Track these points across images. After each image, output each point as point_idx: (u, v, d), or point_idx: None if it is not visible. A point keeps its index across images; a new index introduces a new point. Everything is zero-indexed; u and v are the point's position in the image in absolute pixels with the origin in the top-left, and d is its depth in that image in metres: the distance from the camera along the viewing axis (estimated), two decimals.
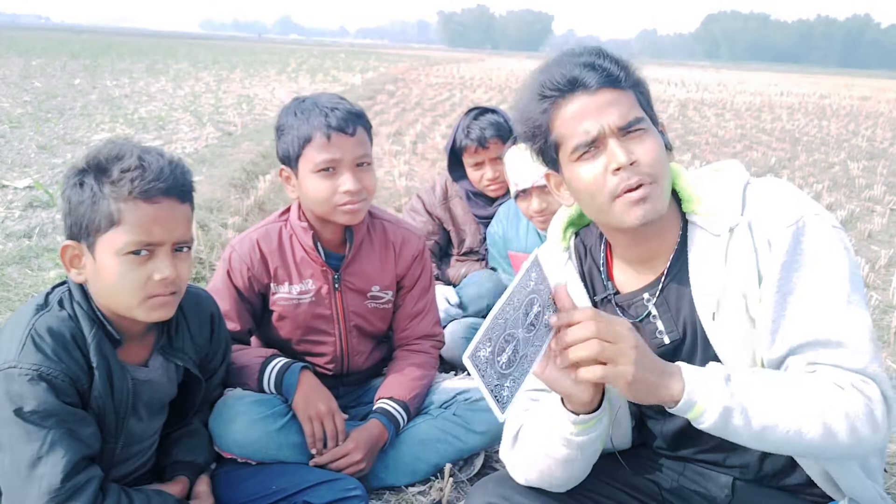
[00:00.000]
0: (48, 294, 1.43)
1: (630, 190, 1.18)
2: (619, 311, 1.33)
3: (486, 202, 2.82)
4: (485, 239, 2.83)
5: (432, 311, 2.11)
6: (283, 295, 1.95)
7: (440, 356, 2.47)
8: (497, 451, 2.16)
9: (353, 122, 1.80)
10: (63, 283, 1.45)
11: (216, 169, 5.90)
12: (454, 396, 2.00)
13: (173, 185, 1.37)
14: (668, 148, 1.27)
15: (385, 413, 1.89)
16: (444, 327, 2.55)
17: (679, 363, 1.12)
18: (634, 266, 1.32)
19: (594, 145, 1.20)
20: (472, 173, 2.77)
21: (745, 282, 1.18)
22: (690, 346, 1.29)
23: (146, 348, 1.52)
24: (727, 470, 1.36)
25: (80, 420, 1.35)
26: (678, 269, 1.27)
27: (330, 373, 2.03)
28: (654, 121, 1.25)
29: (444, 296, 2.59)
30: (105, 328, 1.40)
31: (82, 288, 1.41)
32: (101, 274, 1.36)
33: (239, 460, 1.78)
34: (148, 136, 7.56)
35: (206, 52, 32.06)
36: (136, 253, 1.34)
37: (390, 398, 1.92)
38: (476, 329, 2.42)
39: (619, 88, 1.20)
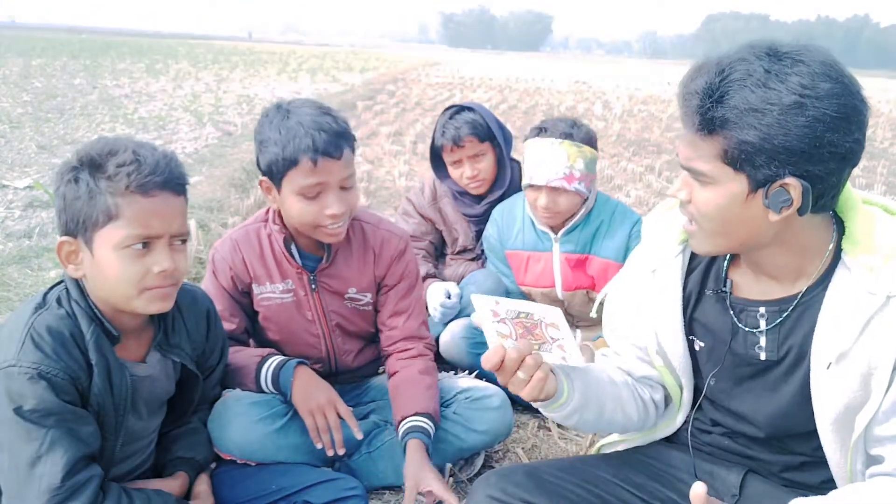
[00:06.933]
0: (46, 293, 1.42)
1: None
2: (729, 310, 1.30)
3: (473, 200, 2.81)
4: (476, 237, 2.83)
5: (418, 313, 2.05)
6: (266, 294, 1.95)
7: (441, 356, 2.49)
8: (497, 451, 2.17)
9: (340, 144, 1.73)
10: (60, 282, 1.45)
11: (216, 169, 5.91)
12: (454, 395, 1.99)
13: (169, 178, 1.37)
14: (769, 207, 1.10)
15: (418, 430, 1.81)
16: (446, 324, 2.55)
17: None
18: (756, 274, 1.28)
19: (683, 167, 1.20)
20: (452, 171, 2.77)
21: (884, 354, 1.10)
22: (785, 373, 1.25)
23: (143, 345, 1.52)
24: (748, 462, 1.35)
25: (79, 418, 1.35)
26: (809, 299, 1.21)
27: (320, 372, 2.01)
28: (758, 177, 1.08)
29: (444, 289, 2.58)
30: (103, 325, 1.40)
31: (79, 285, 1.41)
32: (101, 269, 1.36)
33: (238, 461, 1.78)
34: (148, 135, 7.57)
35: (206, 52, 32.04)
36: (135, 247, 1.34)
37: (414, 415, 1.84)
38: (475, 329, 2.43)
39: (700, 133, 1.10)
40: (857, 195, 1.20)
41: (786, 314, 1.23)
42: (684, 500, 1.39)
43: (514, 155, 2.84)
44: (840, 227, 1.19)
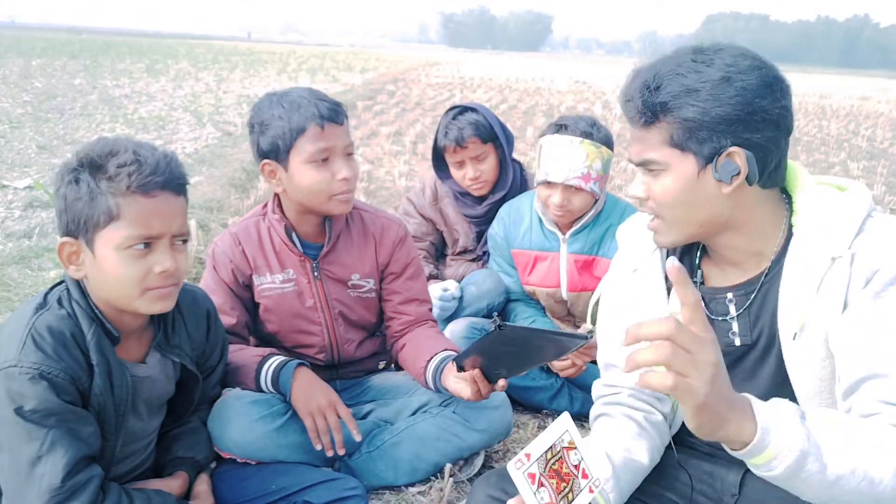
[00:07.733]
0: (47, 293, 1.42)
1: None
2: (700, 301, 1.33)
3: (474, 201, 2.82)
4: (478, 238, 2.83)
5: (429, 300, 2.13)
6: (266, 285, 1.97)
7: None
8: (497, 451, 2.18)
9: (340, 111, 1.85)
10: (61, 282, 1.45)
11: (216, 169, 5.92)
12: None
13: (170, 178, 1.38)
14: (721, 179, 1.17)
15: (450, 358, 1.87)
16: (446, 322, 2.55)
17: (747, 395, 1.00)
18: (722, 265, 1.32)
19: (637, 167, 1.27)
20: (454, 172, 2.78)
21: (832, 313, 1.15)
22: (760, 355, 1.28)
23: (144, 345, 1.52)
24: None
25: (80, 419, 1.35)
26: (771, 277, 1.26)
27: (322, 363, 2.04)
28: (704, 152, 1.16)
29: (441, 287, 2.58)
30: (103, 325, 1.40)
31: (79, 286, 1.41)
32: (102, 269, 1.36)
33: (238, 460, 1.79)
34: (148, 136, 7.57)
35: (206, 52, 32.06)
36: (136, 247, 1.35)
37: (442, 351, 1.91)
38: (476, 328, 2.44)
39: (646, 126, 1.20)
40: (811, 177, 1.27)
41: (752, 296, 1.27)
42: (683, 501, 1.39)
43: (515, 155, 2.85)
44: (791, 206, 1.26)
